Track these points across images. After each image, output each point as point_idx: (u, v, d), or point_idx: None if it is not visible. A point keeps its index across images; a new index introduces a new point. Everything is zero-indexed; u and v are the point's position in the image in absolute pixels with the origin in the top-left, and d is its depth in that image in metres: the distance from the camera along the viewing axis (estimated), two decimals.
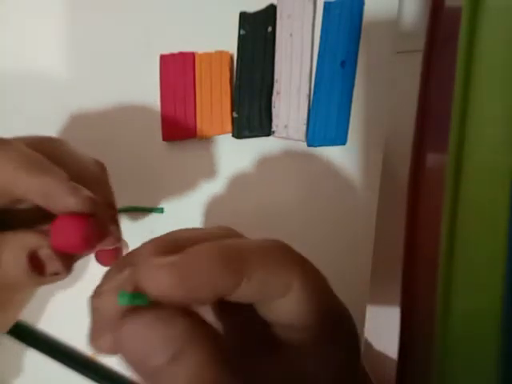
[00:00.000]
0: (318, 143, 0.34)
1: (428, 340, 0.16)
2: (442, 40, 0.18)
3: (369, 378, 0.19)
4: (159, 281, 0.14)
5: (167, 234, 0.18)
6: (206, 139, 0.36)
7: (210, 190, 0.36)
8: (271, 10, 0.34)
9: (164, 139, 0.36)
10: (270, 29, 0.34)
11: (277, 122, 0.34)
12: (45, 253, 0.21)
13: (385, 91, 0.33)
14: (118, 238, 0.25)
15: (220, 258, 0.15)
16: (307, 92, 0.34)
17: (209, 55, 0.35)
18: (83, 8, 0.38)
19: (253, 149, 0.35)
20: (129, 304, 0.14)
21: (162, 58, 0.36)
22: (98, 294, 0.16)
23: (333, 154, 0.34)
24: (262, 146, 0.35)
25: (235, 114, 0.35)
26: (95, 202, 0.21)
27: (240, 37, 0.35)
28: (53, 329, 0.36)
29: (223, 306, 0.18)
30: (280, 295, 0.16)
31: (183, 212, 0.36)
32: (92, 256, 0.26)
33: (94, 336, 0.16)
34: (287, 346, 0.17)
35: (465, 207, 0.15)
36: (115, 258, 0.33)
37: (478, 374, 0.14)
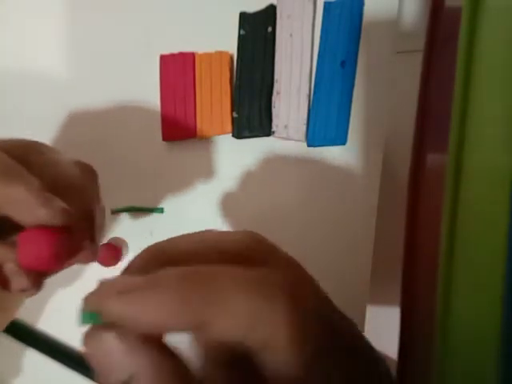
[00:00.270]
0: (318, 143, 0.34)
1: (428, 340, 0.16)
2: (442, 40, 0.18)
3: None
4: (111, 307, 0.13)
5: (165, 241, 0.17)
6: (206, 139, 0.36)
7: (209, 190, 0.36)
8: (271, 10, 0.34)
9: (164, 139, 0.36)
10: (270, 29, 0.34)
11: (277, 122, 0.34)
12: (10, 267, 0.19)
13: (385, 91, 0.33)
14: (94, 253, 0.22)
15: (181, 294, 0.13)
16: (307, 92, 0.34)
17: (209, 55, 0.35)
18: (83, 8, 0.38)
19: (253, 149, 0.35)
20: (85, 323, 0.14)
21: (162, 58, 0.36)
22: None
23: (333, 154, 0.34)
24: (262, 146, 0.35)
25: (235, 114, 0.35)
26: (69, 214, 0.19)
27: (240, 37, 0.35)
28: (52, 329, 0.36)
29: (221, 357, 0.16)
30: (261, 347, 0.14)
31: (183, 212, 0.36)
32: None
33: None
34: None
35: (465, 207, 0.15)
36: (115, 259, 0.33)
37: (477, 374, 0.14)
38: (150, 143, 0.36)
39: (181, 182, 0.36)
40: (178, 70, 0.35)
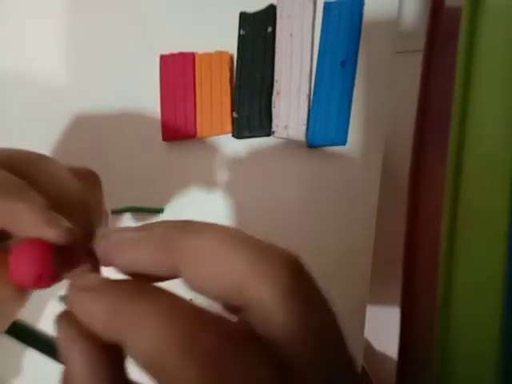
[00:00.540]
0: (318, 143, 0.34)
1: (428, 340, 0.16)
2: (442, 40, 0.18)
3: None
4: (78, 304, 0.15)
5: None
6: (206, 139, 0.36)
7: (209, 190, 0.36)
8: (271, 10, 0.34)
9: (164, 139, 0.36)
10: (269, 29, 0.34)
11: (277, 122, 0.34)
12: None
13: (385, 91, 0.33)
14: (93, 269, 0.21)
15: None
16: (307, 92, 0.34)
17: (209, 55, 0.35)
18: (83, 8, 0.38)
19: (253, 149, 0.35)
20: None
21: (162, 58, 0.36)
22: None
23: (333, 154, 0.34)
24: (262, 146, 0.35)
25: (235, 114, 0.35)
26: (73, 233, 0.18)
27: (240, 37, 0.35)
28: (52, 329, 0.36)
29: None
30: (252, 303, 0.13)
31: (183, 212, 0.36)
32: None
33: None
34: None
35: (465, 207, 0.15)
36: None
37: (477, 374, 0.14)
38: (150, 143, 0.36)
39: (181, 182, 0.36)
40: (177, 70, 0.35)
